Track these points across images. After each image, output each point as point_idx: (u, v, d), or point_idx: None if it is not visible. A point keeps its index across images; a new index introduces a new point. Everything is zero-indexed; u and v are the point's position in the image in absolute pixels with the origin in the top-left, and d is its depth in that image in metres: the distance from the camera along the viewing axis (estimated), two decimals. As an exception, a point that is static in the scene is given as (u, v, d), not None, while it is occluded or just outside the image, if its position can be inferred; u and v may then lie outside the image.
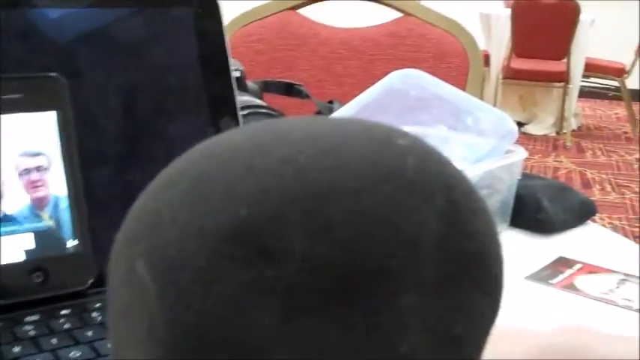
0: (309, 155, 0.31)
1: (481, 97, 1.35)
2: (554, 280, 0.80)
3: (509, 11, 5.19)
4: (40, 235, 0.62)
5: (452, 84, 1.00)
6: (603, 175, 4.68)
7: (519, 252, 0.88)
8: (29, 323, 0.59)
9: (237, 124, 0.77)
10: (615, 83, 5.68)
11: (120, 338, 0.33)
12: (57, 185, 0.63)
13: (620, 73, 5.52)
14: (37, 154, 0.63)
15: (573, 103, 5.52)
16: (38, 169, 0.63)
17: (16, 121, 0.62)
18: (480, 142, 0.92)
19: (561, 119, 5.50)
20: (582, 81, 5.62)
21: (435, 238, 0.31)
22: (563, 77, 5.24)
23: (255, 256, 0.29)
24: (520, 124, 5.39)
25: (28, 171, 0.62)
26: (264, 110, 0.98)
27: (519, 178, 0.95)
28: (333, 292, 0.29)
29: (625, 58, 5.53)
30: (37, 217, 0.62)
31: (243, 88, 1.01)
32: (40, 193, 0.63)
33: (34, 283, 0.62)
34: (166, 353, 0.30)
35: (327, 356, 0.29)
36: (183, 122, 0.75)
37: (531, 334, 0.46)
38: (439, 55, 1.62)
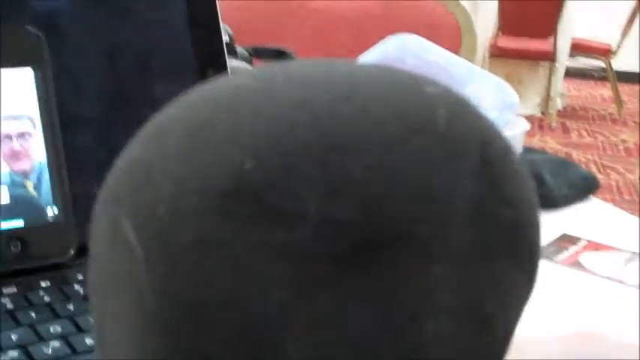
0: (326, 101, 0.26)
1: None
2: (559, 258, 0.77)
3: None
4: (18, 203, 0.58)
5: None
6: (589, 156, 4.66)
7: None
8: (6, 296, 0.55)
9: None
10: (601, 64, 5.65)
11: (102, 311, 0.28)
12: (36, 150, 0.59)
13: (606, 53, 5.50)
14: (19, 117, 0.58)
15: (559, 83, 5.50)
16: (22, 135, 0.58)
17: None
18: (483, 112, 0.88)
19: (547, 99, 5.47)
20: (568, 61, 5.60)
21: (469, 200, 0.27)
22: (550, 56, 5.21)
23: (262, 216, 0.25)
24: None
25: (9, 137, 0.58)
26: (254, 77, 0.94)
27: (520, 151, 0.91)
28: (353, 260, 0.25)
29: (611, 39, 5.51)
30: (20, 186, 0.58)
31: (233, 52, 0.97)
32: (23, 159, 0.58)
33: (12, 254, 0.58)
34: (156, 328, 0.26)
35: (343, 334, 0.25)
36: (172, 85, 0.71)
37: (548, 340, 0.42)
38: (431, 27, 1.57)
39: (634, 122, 5.48)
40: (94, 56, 0.67)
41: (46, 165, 0.60)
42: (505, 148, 0.29)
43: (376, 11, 1.59)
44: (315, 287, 0.25)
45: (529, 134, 4.98)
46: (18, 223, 0.58)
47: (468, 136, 0.28)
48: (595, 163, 4.53)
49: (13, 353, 0.49)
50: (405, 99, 0.27)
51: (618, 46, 5.46)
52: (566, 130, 5.27)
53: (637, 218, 0.89)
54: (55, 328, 0.52)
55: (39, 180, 0.59)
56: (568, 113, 5.73)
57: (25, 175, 0.59)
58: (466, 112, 0.29)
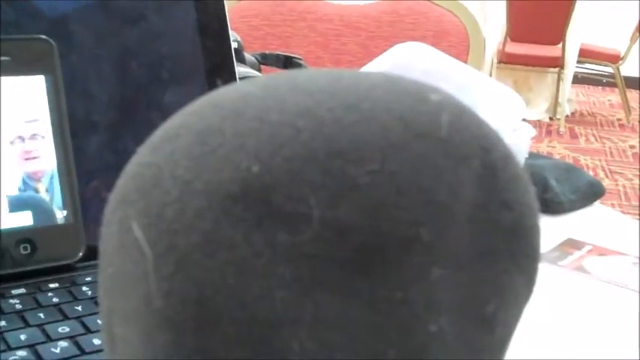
0: (330, 108, 0.27)
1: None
2: (564, 262, 0.77)
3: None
4: (29, 205, 0.59)
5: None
6: (596, 162, 4.65)
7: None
8: (16, 296, 0.56)
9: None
10: (609, 69, 5.64)
11: (112, 310, 0.29)
12: (48, 154, 0.60)
13: (614, 59, 5.49)
14: (31, 121, 0.59)
15: (567, 89, 5.49)
16: (34, 136, 0.59)
17: (3, 84, 0.59)
18: (485, 119, 0.89)
19: (555, 105, 5.47)
20: (577, 67, 5.59)
21: (471, 205, 0.27)
22: (558, 62, 5.20)
23: (267, 219, 0.25)
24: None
25: (22, 139, 0.59)
26: (262, 83, 0.94)
27: (526, 157, 0.92)
28: (356, 262, 0.26)
29: (620, 45, 5.50)
30: (32, 188, 0.59)
31: (241, 59, 0.97)
32: (35, 163, 0.59)
33: (21, 255, 0.59)
34: (164, 327, 0.27)
35: (346, 335, 0.26)
36: (181, 91, 0.72)
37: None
38: (439, 34, 1.58)
39: (642, 128, 5.48)
40: (105, 63, 0.68)
41: (56, 169, 0.61)
42: (506, 154, 0.30)
43: (384, 18, 1.59)
44: (318, 289, 0.25)
45: (537, 139, 4.98)
46: (28, 224, 0.59)
47: (470, 142, 0.28)
48: (603, 168, 4.53)
49: (22, 353, 0.50)
50: (408, 106, 0.28)
51: (626, 53, 5.45)
52: (574, 135, 5.26)
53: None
54: (64, 329, 0.53)
55: (50, 183, 0.60)
56: (576, 119, 5.73)
57: (37, 178, 0.60)
58: (468, 119, 0.29)
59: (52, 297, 0.57)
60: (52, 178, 0.60)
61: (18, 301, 0.56)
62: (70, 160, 0.61)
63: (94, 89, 0.68)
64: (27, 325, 0.53)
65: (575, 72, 5.61)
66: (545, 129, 5.34)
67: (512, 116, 0.90)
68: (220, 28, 0.75)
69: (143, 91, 0.70)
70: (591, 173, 4.40)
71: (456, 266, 0.27)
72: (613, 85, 5.99)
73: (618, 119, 5.76)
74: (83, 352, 0.51)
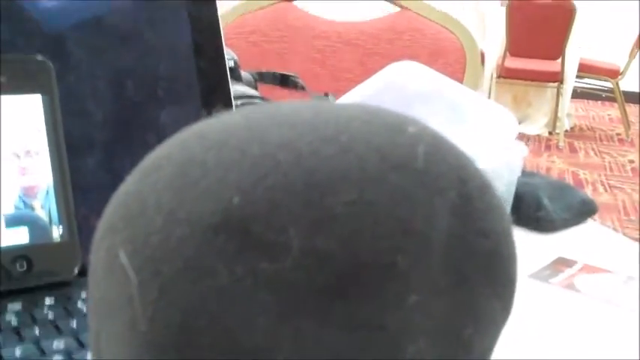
0: (309, 141, 0.28)
1: (478, 94, 1.32)
2: (555, 280, 0.78)
3: (504, 10, 5.17)
4: (25, 222, 0.60)
5: (449, 79, 0.97)
6: (595, 176, 4.66)
7: (518, 250, 0.86)
8: (11, 312, 0.57)
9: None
10: (609, 84, 5.65)
11: (100, 332, 0.30)
12: (43, 171, 0.61)
13: (614, 74, 5.50)
14: (28, 139, 0.60)
15: (567, 104, 5.50)
16: (30, 154, 0.60)
17: (1, 103, 0.60)
18: (479, 138, 0.90)
19: (554, 119, 5.48)
20: (576, 81, 5.60)
21: (446, 234, 0.28)
22: (558, 77, 5.22)
23: (247, 248, 0.27)
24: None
25: (18, 156, 0.60)
26: (258, 101, 0.95)
27: (519, 175, 0.92)
28: (334, 289, 0.27)
29: (619, 60, 5.51)
30: (28, 206, 0.60)
31: (237, 77, 0.98)
32: (30, 180, 0.60)
33: (17, 272, 0.59)
34: (148, 350, 0.28)
35: (327, 358, 0.27)
36: (176, 110, 0.73)
37: None
38: (436, 51, 1.59)
39: (641, 143, 5.49)
40: (101, 83, 0.69)
41: (52, 186, 0.61)
42: (483, 183, 0.31)
43: (382, 35, 1.61)
44: (298, 315, 0.26)
45: (536, 154, 4.99)
46: (24, 241, 0.60)
47: (447, 173, 0.29)
48: (602, 183, 4.53)
49: (17, 368, 0.51)
50: (386, 138, 0.29)
51: (626, 68, 5.46)
52: (573, 150, 5.27)
53: (632, 241, 0.91)
54: (58, 344, 0.54)
55: (46, 200, 0.61)
56: (575, 133, 5.74)
57: (33, 195, 0.61)
58: (445, 150, 0.30)
59: (47, 313, 0.57)
60: (48, 195, 0.61)
61: (14, 317, 0.56)
62: (66, 178, 0.62)
63: (90, 109, 0.69)
64: (22, 340, 0.54)
65: (575, 87, 5.62)
66: (544, 143, 5.35)
67: (505, 135, 0.90)
68: (216, 48, 0.76)
69: (139, 109, 0.71)
70: (590, 188, 4.42)
71: (432, 292, 0.28)
72: (612, 99, 6.01)
73: (617, 134, 5.77)
74: (77, 368, 0.52)
